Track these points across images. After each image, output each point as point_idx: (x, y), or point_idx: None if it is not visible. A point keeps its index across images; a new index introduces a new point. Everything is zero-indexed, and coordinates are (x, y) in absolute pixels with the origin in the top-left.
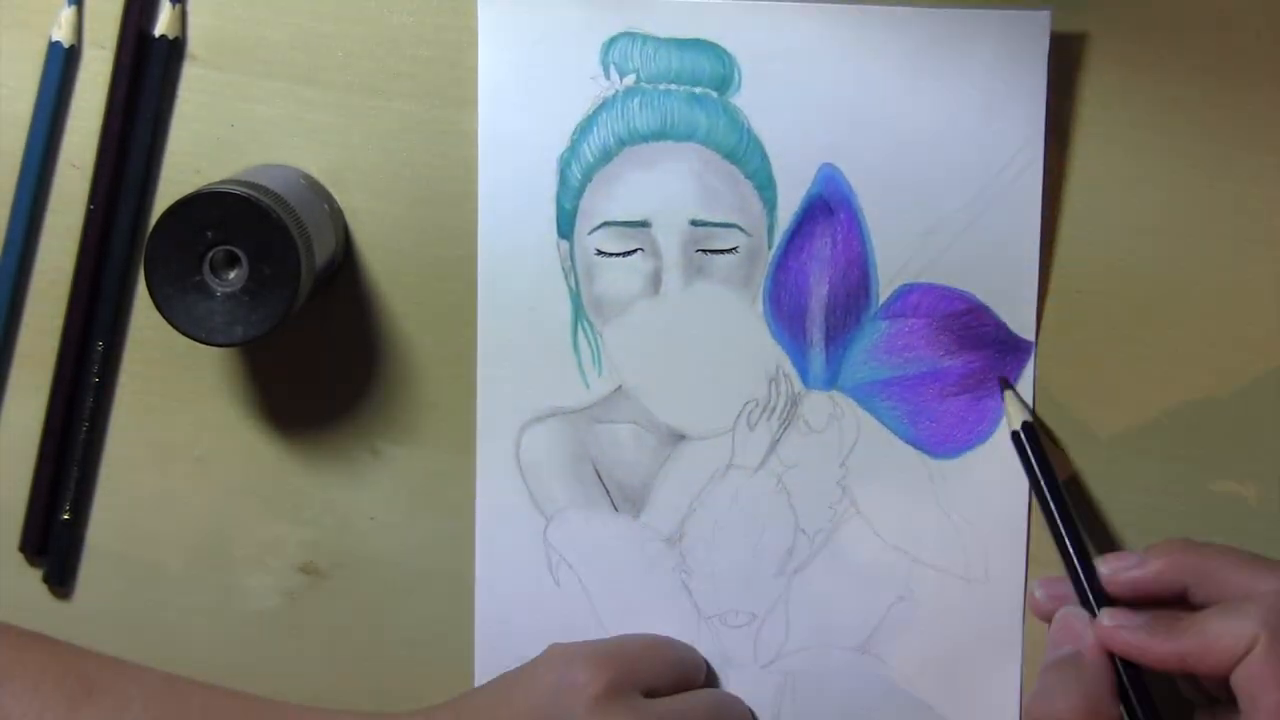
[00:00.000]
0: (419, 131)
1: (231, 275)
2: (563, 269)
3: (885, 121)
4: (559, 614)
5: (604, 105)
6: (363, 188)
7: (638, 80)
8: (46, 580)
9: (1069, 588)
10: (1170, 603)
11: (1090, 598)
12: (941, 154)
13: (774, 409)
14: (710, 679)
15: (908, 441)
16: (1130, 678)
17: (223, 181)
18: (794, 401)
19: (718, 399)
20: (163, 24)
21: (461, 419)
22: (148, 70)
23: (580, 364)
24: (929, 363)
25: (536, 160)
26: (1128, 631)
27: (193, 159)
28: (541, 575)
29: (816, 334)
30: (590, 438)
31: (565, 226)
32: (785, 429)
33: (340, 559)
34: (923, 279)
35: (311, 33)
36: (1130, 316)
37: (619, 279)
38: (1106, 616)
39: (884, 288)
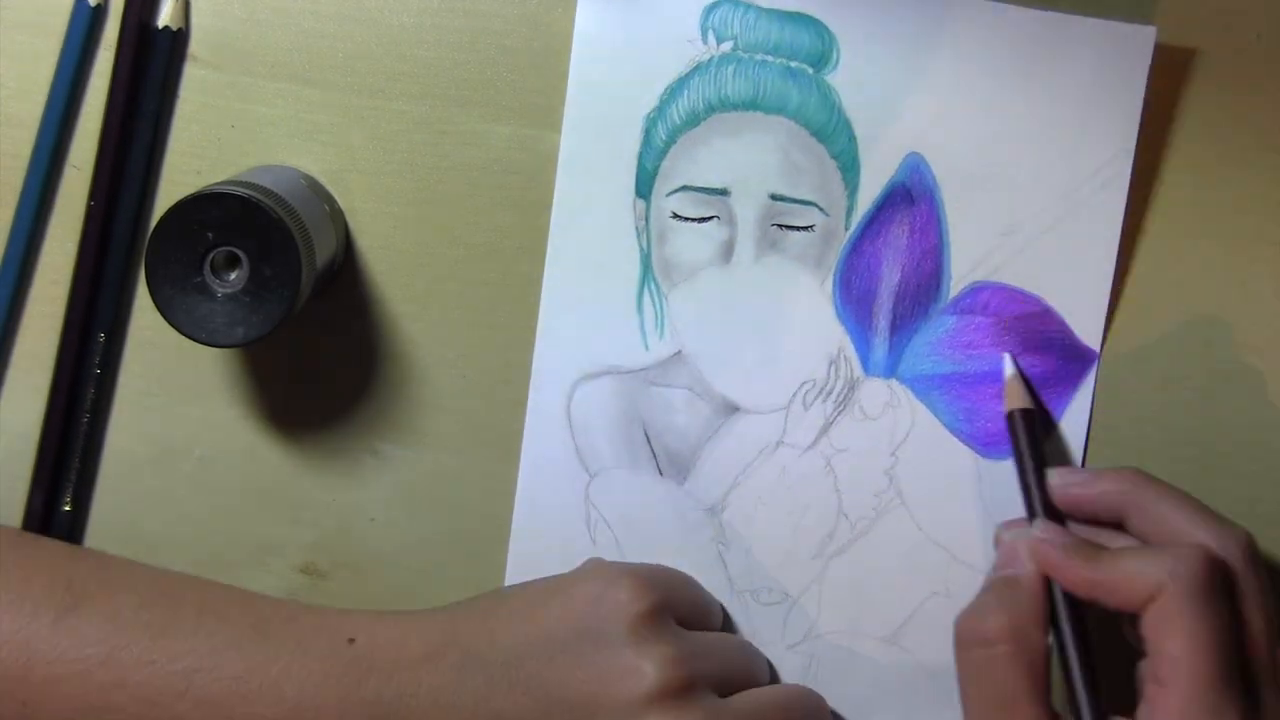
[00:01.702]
0: (420, 132)
1: (232, 276)
2: (636, 228)
3: (977, 117)
4: None
5: (697, 69)
6: (363, 188)
7: (735, 48)
8: None
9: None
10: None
11: (1036, 508)
12: (1030, 156)
13: (831, 391)
14: (726, 626)
15: (961, 438)
16: (1069, 609)
17: (223, 182)
18: (852, 386)
19: (776, 375)
20: (166, 15)
21: (463, 419)
22: (149, 69)
23: (643, 325)
24: (991, 362)
25: (623, 117)
26: (1050, 547)
27: (193, 159)
28: (579, 531)
29: (882, 321)
30: (643, 400)
31: (644, 186)
32: (840, 412)
33: (341, 560)
34: (995, 278)
35: (312, 33)
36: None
37: (691, 244)
38: (1039, 527)
39: (955, 282)
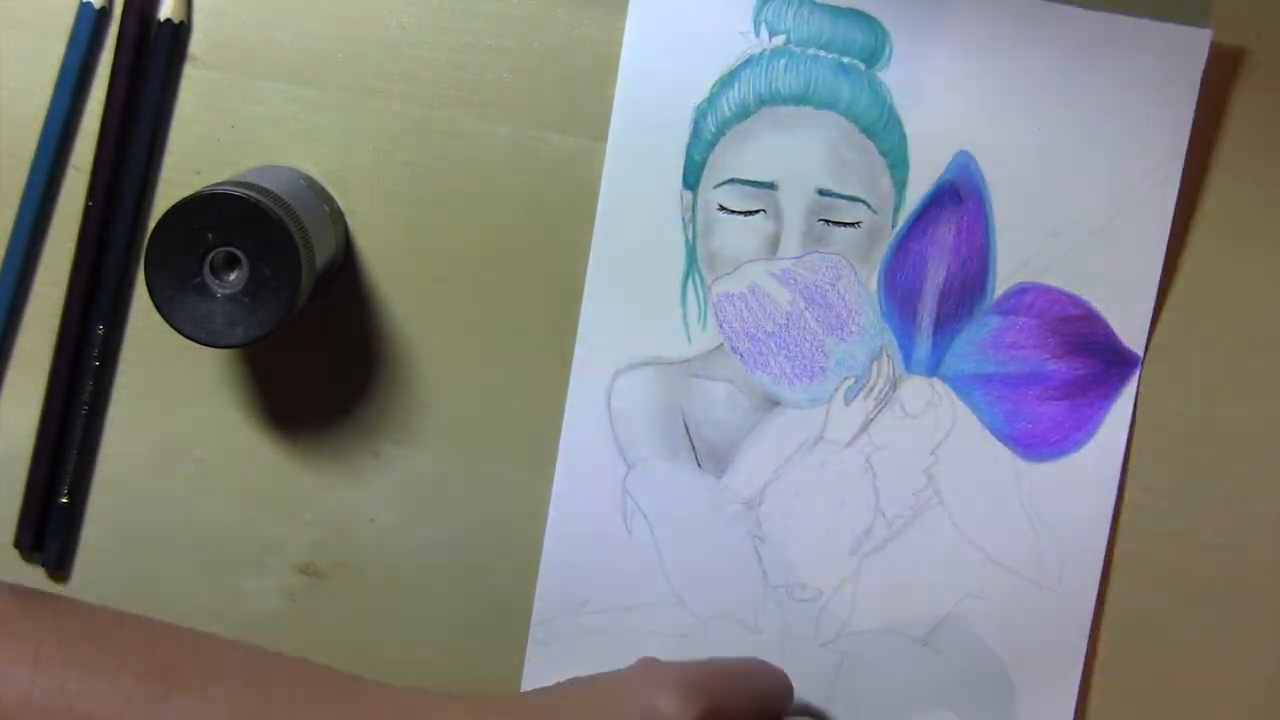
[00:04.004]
0: (419, 132)
1: (232, 276)
2: (682, 220)
3: (1028, 117)
4: (626, 562)
5: (749, 62)
6: (363, 189)
7: (787, 41)
8: (44, 565)
9: None
10: None
11: None
12: (1079, 157)
13: (873, 388)
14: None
15: (1001, 439)
16: None
17: (223, 182)
18: (893, 384)
19: (817, 370)
20: (168, 8)
21: (463, 419)
22: (149, 68)
23: (685, 317)
24: (1034, 364)
25: (672, 107)
26: None
27: (193, 160)
28: (614, 521)
29: (926, 319)
30: (684, 391)
31: (691, 178)
32: (881, 410)
33: (341, 560)
34: (1041, 279)
35: (312, 34)
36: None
37: (737, 237)
38: None
39: (1001, 283)
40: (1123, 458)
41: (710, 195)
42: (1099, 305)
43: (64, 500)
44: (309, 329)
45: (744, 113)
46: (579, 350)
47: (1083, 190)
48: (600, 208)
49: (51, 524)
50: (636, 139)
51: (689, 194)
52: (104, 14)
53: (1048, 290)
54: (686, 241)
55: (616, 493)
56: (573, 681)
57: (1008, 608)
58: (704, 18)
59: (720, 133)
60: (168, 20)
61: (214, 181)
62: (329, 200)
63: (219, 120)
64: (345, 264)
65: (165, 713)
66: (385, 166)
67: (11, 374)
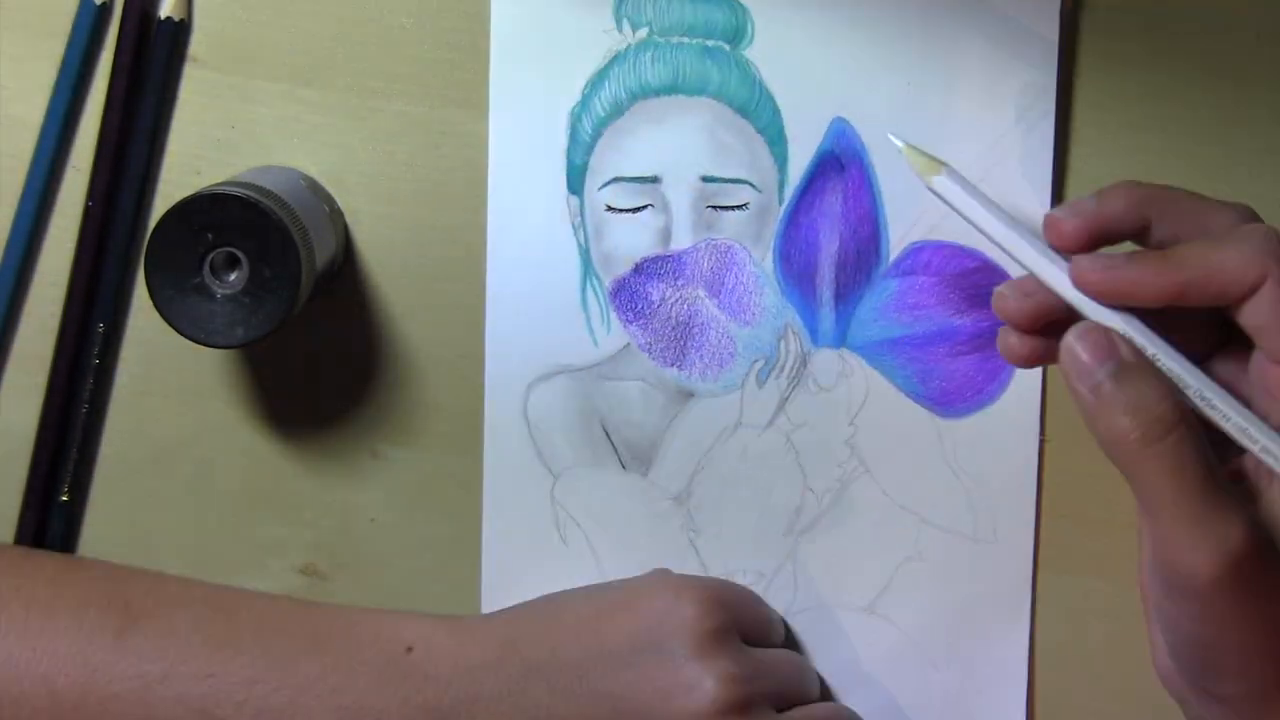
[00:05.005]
0: (420, 133)
1: (232, 277)
2: (572, 225)
3: (897, 74)
4: (566, 572)
5: (616, 59)
6: (363, 189)
7: (650, 33)
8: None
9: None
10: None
11: (1059, 254)
12: (953, 108)
13: (783, 367)
14: (789, 643)
15: (917, 400)
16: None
17: (223, 183)
18: (803, 360)
19: (726, 356)
20: (168, 6)
21: (462, 420)
22: (149, 67)
23: (589, 321)
24: (939, 321)
25: (547, 115)
26: (1116, 270)
27: (193, 160)
28: (549, 533)
29: (826, 291)
30: (598, 396)
31: (575, 182)
32: (794, 387)
33: (341, 561)
34: (933, 236)
35: (312, 34)
36: None
37: (628, 235)
38: (1085, 260)
39: (894, 245)
40: (1040, 402)
41: (596, 197)
42: (994, 255)
43: (64, 499)
44: (309, 329)
45: (618, 110)
46: (489, 365)
47: (962, 140)
48: (490, 223)
49: (52, 523)
50: (517, 151)
51: (575, 198)
52: (104, 11)
53: (942, 246)
54: (579, 246)
55: (546, 504)
56: (582, 588)
57: (948, 566)
58: (567, 20)
59: (597, 133)
60: (168, 18)
61: (214, 181)
62: (329, 200)
63: (219, 120)
64: (345, 264)
65: (129, 643)
66: (385, 166)
67: (11, 374)
